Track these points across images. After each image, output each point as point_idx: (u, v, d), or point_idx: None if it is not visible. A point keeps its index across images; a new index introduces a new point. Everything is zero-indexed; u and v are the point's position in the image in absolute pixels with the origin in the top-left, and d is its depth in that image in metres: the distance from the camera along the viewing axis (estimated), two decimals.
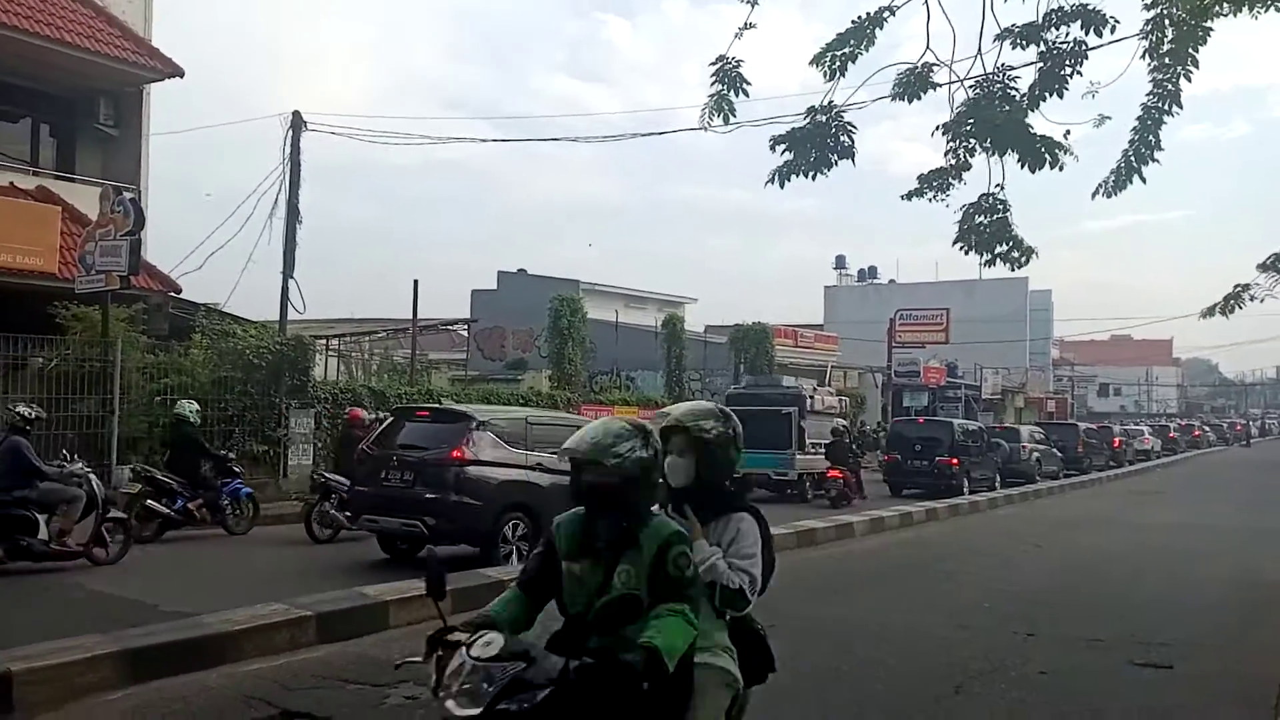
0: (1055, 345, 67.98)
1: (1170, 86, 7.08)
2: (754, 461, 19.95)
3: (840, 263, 66.71)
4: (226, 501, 11.86)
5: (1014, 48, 7.09)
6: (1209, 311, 10.96)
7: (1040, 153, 7.09)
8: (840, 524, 14.03)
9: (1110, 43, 6.97)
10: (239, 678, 5.84)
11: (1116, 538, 14.94)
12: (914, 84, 7.16)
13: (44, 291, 14.11)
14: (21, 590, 8.55)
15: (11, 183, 16.11)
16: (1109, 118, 7.23)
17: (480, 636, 2.72)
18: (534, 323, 28.57)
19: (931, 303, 44.79)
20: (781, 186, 7.18)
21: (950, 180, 7.63)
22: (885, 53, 7.29)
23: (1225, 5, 6.33)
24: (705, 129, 7.29)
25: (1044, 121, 7.10)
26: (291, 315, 17.25)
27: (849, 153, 7.08)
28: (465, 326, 31.93)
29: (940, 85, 7.26)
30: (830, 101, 7.03)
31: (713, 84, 6.98)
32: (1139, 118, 7.17)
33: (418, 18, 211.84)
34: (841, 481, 19.05)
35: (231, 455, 13.05)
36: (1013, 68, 7.21)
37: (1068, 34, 6.97)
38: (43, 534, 9.14)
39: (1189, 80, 7.02)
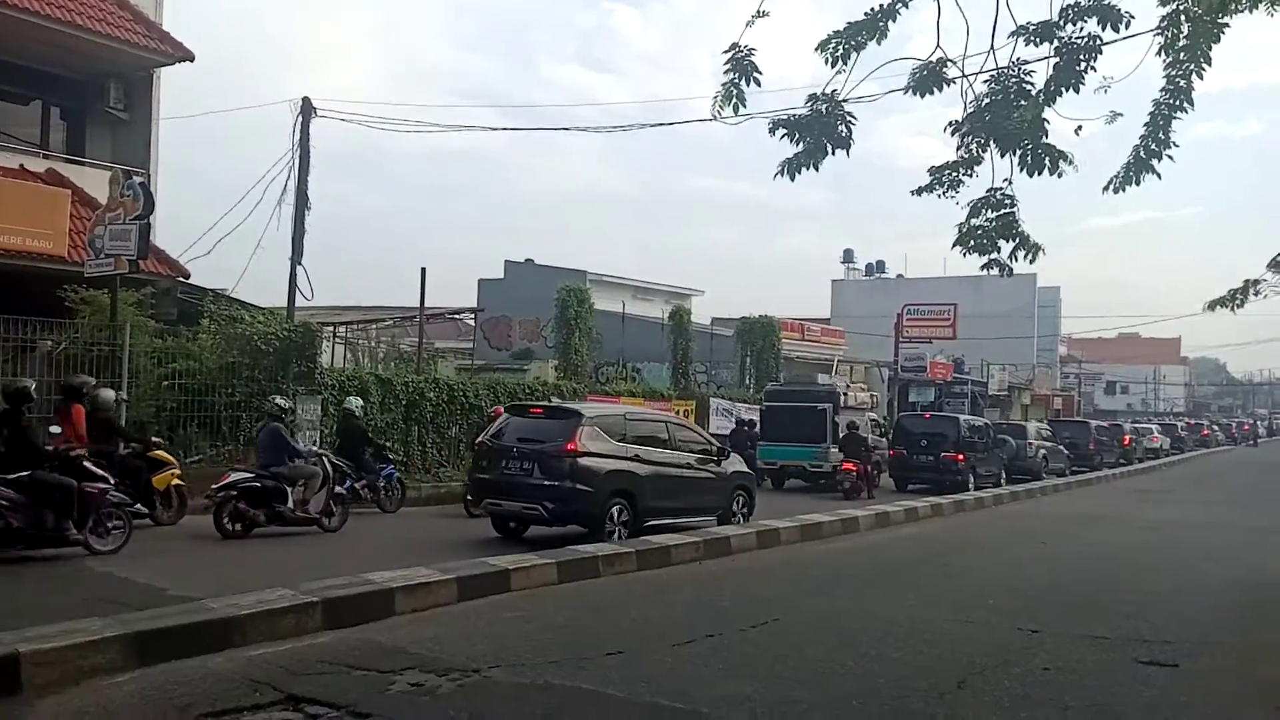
0: (1063, 342, 67.83)
1: (1183, 83, 7.05)
2: (792, 454, 21.51)
3: (848, 256, 66.58)
4: (383, 484, 13.76)
5: (1029, 44, 7.07)
6: (1216, 304, 10.93)
7: (1041, 159, 7.08)
8: (845, 518, 14.04)
9: (1125, 38, 6.94)
10: (244, 662, 5.86)
11: (1122, 535, 14.91)
12: (927, 78, 7.14)
13: (53, 275, 14.14)
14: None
15: (21, 165, 16.14)
16: (1121, 114, 7.21)
17: None
18: (541, 313, 28.59)
19: (939, 298, 44.67)
20: (792, 178, 7.17)
21: (961, 176, 7.62)
22: (895, 45, 7.27)
23: (1242, 2, 6.28)
24: (716, 118, 7.28)
25: (1057, 117, 7.08)
26: (299, 302, 17.27)
27: (845, 143, 7.07)
28: (472, 315, 31.95)
29: (952, 81, 7.24)
30: (834, 91, 7.01)
31: (725, 72, 6.96)
32: (1151, 113, 7.15)
33: (426, 5, 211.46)
34: (855, 474, 19.82)
35: (387, 444, 15.03)
36: (1028, 62, 7.19)
37: (1083, 29, 6.95)
38: (290, 503, 11.23)
39: (1201, 77, 6.99)
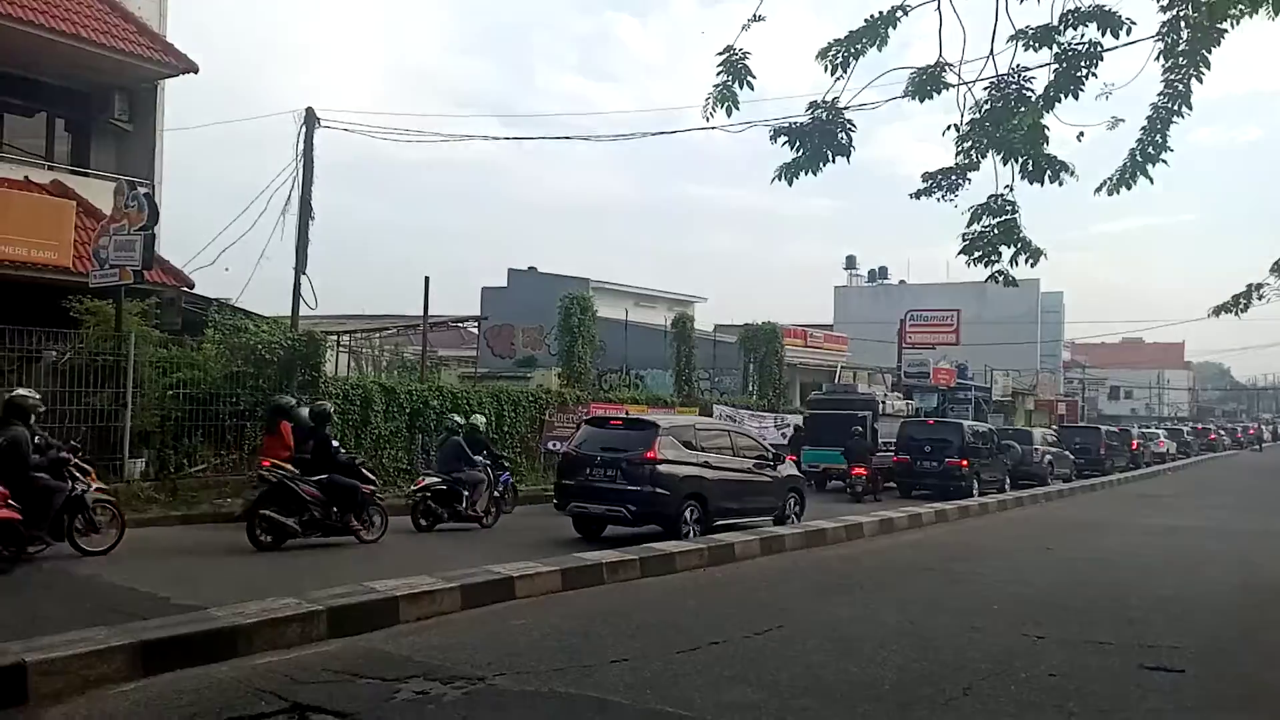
0: (1066, 348, 67.72)
1: (1181, 87, 7.06)
2: (833, 458, 22.43)
3: (851, 263, 66.58)
4: (501, 489, 14.49)
5: (1027, 49, 7.08)
6: (1220, 309, 10.93)
7: (1042, 168, 7.09)
8: (850, 524, 14.03)
9: (1126, 44, 6.95)
10: (249, 671, 5.87)
11: (1127, 541, 14.88)
12: (926, 84, 7.15)
13: (58, 285, 14.21)
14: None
15: (26, 177, 16.22)
16: (1122, 120, 7.21)
17: None
18: (544, 320, 28.60)
19: (942, 304, 44.63)
20: (790, 184, 7.17)
21: (958, 180, 7.63)
22: (895, 51, 7.29)
23: (1242, 6, 6.28)
24: (707, 120, 7.25)
25: (1057, 123, 7.08)
26: (303, 311, 17.30)
27: (845, 150, 7.07)
28: (475, 324, 31.98)
29: (952, 85, 7.26)
30: (835, 98, 7.02)
31: (718, 74, 6.96)
32: (1148, 117, 7.15)
33: (427, 15, 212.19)
34: (865, 478, 21.07)
35: (505, 455, 16.12)
36: (1027, 68, 7.20)
37: (1083, 35, 6.96)
38: (464, 504, 13.37)
39: (1200, 81, 6.99)
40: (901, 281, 63.99)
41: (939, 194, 7.71)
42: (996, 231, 7.62)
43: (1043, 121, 7.07)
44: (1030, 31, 7.02)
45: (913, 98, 7.23)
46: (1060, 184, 7.19)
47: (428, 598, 7.61)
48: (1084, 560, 12.72)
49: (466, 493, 13.40)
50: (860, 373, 39.18)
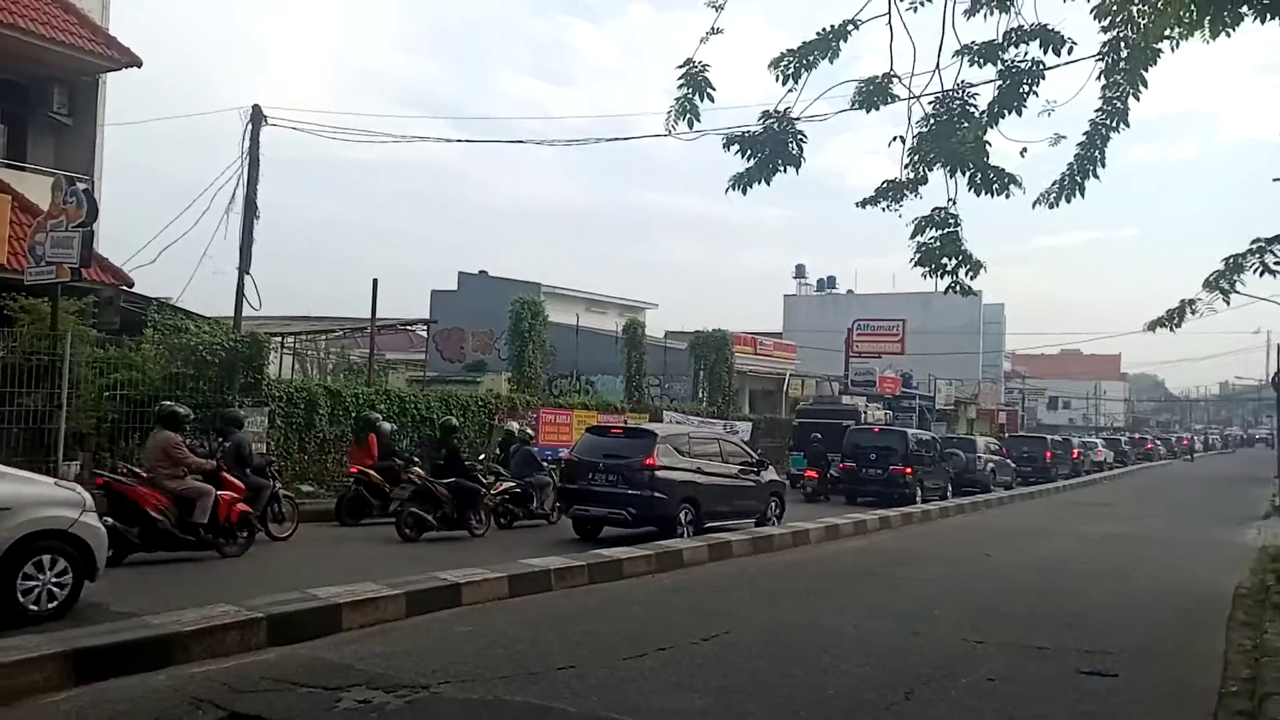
0: (1007, 358, 69.14)
1: (1119, 104, 7.27)
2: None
3: (800, 272, 67.24)
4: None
5: (973, 65, 7.25)
6: (1155, 324, 11.26)
7: (990, 181, 7.26)
8: (796, 531, 14.17)
9: (1067, 63, 7.15)
10: (186, 679, 5.74)
11: (1065, 547, 15.25)
12: (873, 94, 7.28)
13: None
14: None
15: None
16: (1064, 137, 7.40)
17: None
18: (494, 325, 28.43)
19: (888, 313, 45.31)
20: (743, 193, 7.25)
21: (906, 192, 7.77)
22: (846, 64, 7.41)
23: (1178, 29, 6.49)
24: (670, 132, 7.33)
25: (1001, 139, 7.25)
26: (247, 311, 16.98)
27: (796, 161, 7.17)
28: (424, 327, 31.66)
29: (900, 98, 7.39)
30: (787, 109, 7.11)
31: (679, 87, 7.01)
32: (1086, 133, 7.35)
33: (378, 14, 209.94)
34: (816, 480, 22.57)
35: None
36: (972, 84, 7.37)
37: (1026, 53, 7.14)
38: (534, 505, 14.82)
39: (1138, 99, 7.21)
40: (849, 291, 64.80)
41: (885, 204, 7.85)
42: (940, 243, 7.78)
43: (986, 137, 7.24)
44: (975, 48, 7.18)
45: (861, 108, 7.35)
46: (1008, 196, 7.37)
47: (371, 605, 7.51)
48: (1023, 566, 12.99)
49: (537, 494, 14.99)
50: (809, 380, 39.61)
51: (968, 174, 7.34)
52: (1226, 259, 11.05)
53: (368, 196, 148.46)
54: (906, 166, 7.65)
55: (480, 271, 36.68)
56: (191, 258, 16.90)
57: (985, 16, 7.16)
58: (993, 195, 7.34)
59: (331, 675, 5.98)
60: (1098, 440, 51.52)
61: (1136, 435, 68.08)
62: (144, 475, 10.18)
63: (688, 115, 7.03)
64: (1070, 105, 7.22)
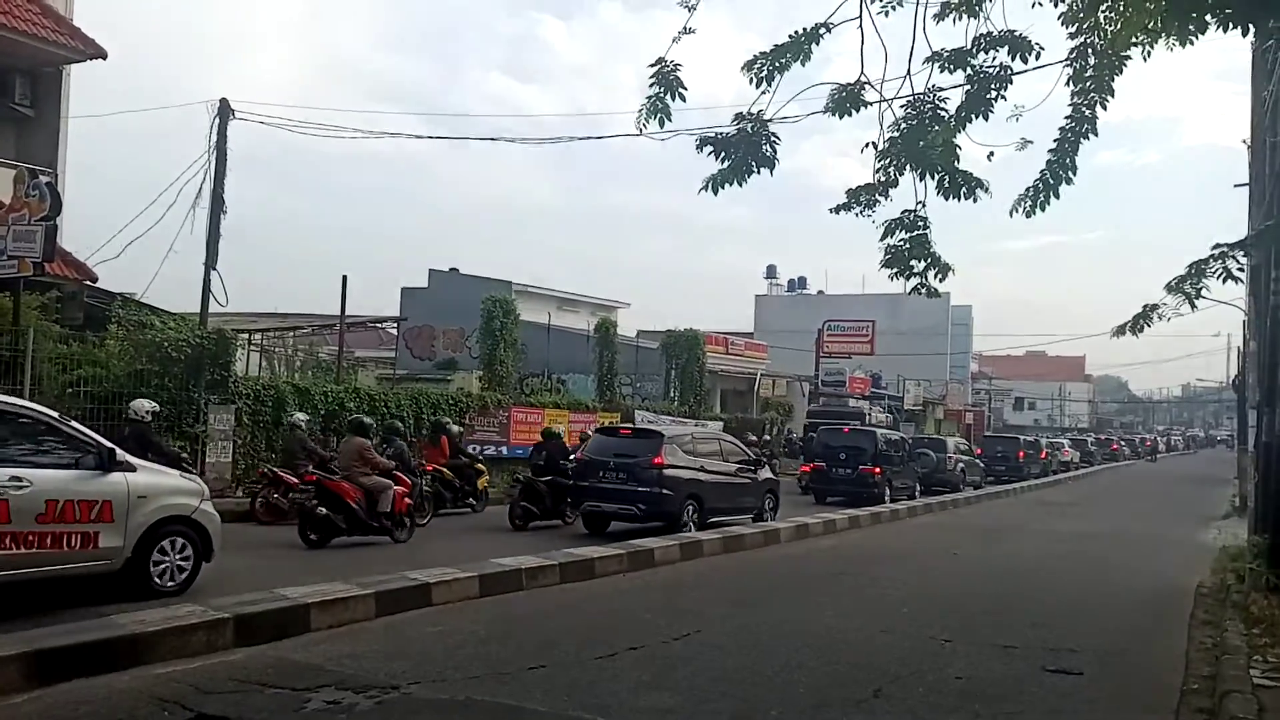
0: (974, 359, 69.91)
1: (1087, 112, 7.38)
2: None
3: (771, 272, 67.53)
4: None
5: (943, 71, 7.32)
6: (1120, 330, 11.42)
7: (959, 185, 7.34)
8: (767, 530, 14.25)
9: (1035, 68, 7.24)
10: (152, 680, 5.66)
11: (1032, 546, 15.45)
12: (846, 100, 7.33)
13: None
14: None
15: None
16: (1031, 141, 7.50)
17: None
18: (465, 322, 28.29)
19: (858, 314, 45.69)
20: (715, 193, 7.27)
21: (877, 197, 7.83)
22: (817, 67, 7.49)
23: (1142, 36, 6.60)
24: (641, 132, 7.34)
25: (969, 142, 7.33)
26: (213, 308, 16.75)
27: (769, 162, 7.20)
28: (394, 324, 31.43)
29: (872, 103, 7.45)
30: (760, 111, 7.14)
31: (651, 87, 7.03)
32: (1056, 140, 7.45)
33: (351, 9, 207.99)
34: (807, 474, 23.76)
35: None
36: (942, 89, 7.45)
37: (995, 59, 7.23)
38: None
39: (1105, 108, 7.32)
40: (820, 291, 65.17)
41: (858, 209, 7.90)
42: (909, 246, 7.86)
43: (955, 140, 7.33)
44: (945, 54, 7.26)
45: (834, 114, 7.39)
46: (975, 200, 7.47)
47: (340, 605, 7.44)
48: (990, 566, 13.16)
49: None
50: (779, 380, 39.81)
51: (936, 178, 7.42)
52: (1190, 264, 11.25)
53: (338, 192, 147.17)
54: (878, 170, 7.72)
55: (451, 269, 36.48)
56: (157, 253, 16.67)
57: (954, 21, 7.24)
58: (960, 199, 7.43)
59: (300, 676, 5.93)
60: (1064, 441, 52.47)
61: (1103, 436, 69.16)
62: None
63: (659, 115, 7.04)
64: (1041, 110, 7.32)
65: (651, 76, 6.94)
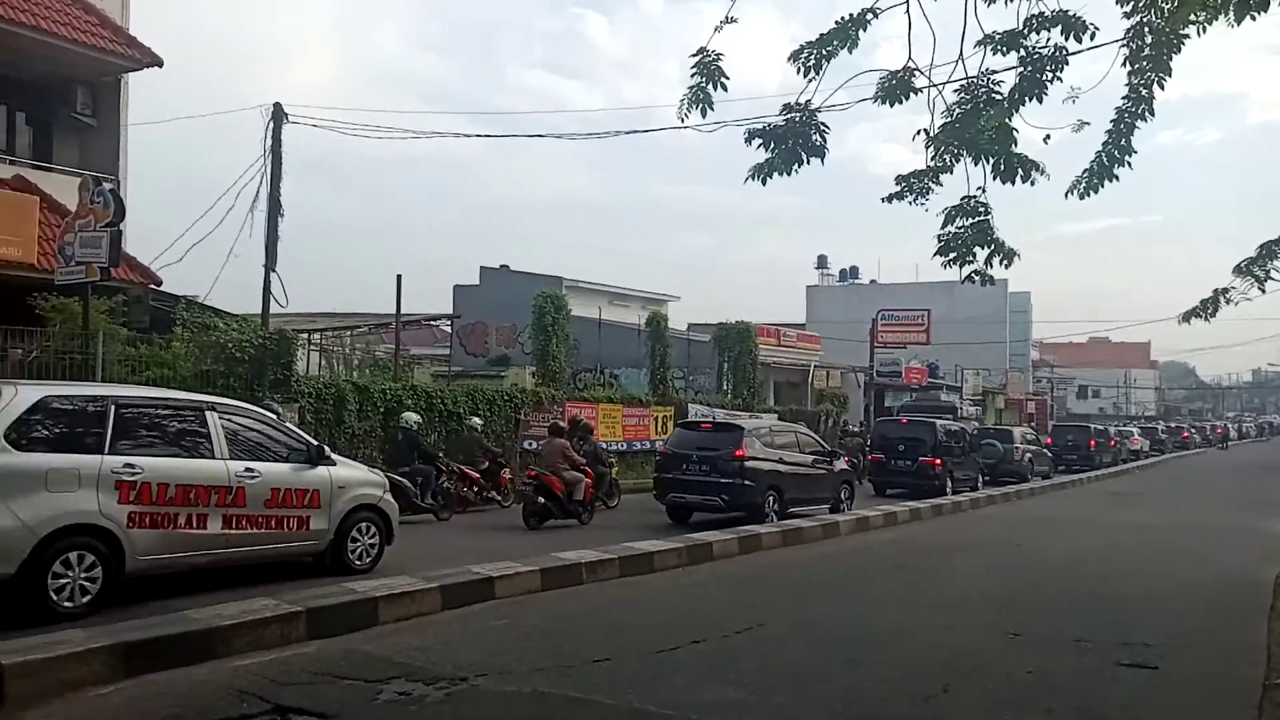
0: (1034, 347, 68.57)
1: (1145, 91, 7.17)
2: None
3: (822, 262, 66.93)
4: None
5: (995, 53, 7.16)
6: (1189, 315, 11.11)
7: (1014, 168, 7.18)
8: (826, 523, 14.13)
9: (1090, 48, 7.05)
10: (230, 673, 5.81)
11: (1100, 538, 15.11)
12: (896, 88, 7.20)
13: (22, 282, 13.93)
14: None
15: None
16: (1088, 123, 7.30)
17: None
18: (517, 319, 28.50)
19: (912, 303, 45.03)
20: (763, 183, 7.19)
21: (930, 183, 7.69)
22: (864, 53, 7.42)
23: (1202, 13, 6.39)
24: (683, 122, 7.30)
25: (1025, 125, 7.17)
26: (273, 309, 17.11)
27: (820, 152, 7.11)
28: (448, 322, 31.80)
29: (921, 89, 7.32)
30: (808, 100, 7.05)
31: (693, 76, 6.99)
32: (1113, 120, 7.26)
33: (394, 12, 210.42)
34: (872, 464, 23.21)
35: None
36: (995, 72, 7.28)
37: (1048, 39, 7.05)
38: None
39: (1162, 87, 7.10)
40: (872, 281, 64.44)
41: (910, 197, 7.77)
42: (971, 232, 7.71)
43: (1010, 123, 7.16)
44: (997, 36, 7.10)
45: (883, 102, 7.27)
46: (1032, 183, 7.28)
47: (407, 598, 7.56)
48: (1057, 558, 12.89)
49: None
50: (833, 372, 39.45)
51: (991, 162, 7.27)
52: (1260, 246, 10.88)
53: (389, 193, 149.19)
54: (931, 158, 7.58)
55: (502, 266, 36.80)
56: (217, 255, 17.08)
57: (1006, 2, 7.08)
58: (1016, 183, 7.26)
59: (371, 667, 6.03)
60: (1133, 429, 51.39)
61: (1173, 424, 67.52)
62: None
63: (701, 104, 7.00)
64: (1097, 90, 7.13)
65: (693, 66, 6.88)
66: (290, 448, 8.90)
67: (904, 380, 38.43)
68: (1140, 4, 6.87)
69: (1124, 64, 7.13)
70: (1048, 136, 7.27)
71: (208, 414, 8.27)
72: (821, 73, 7.01)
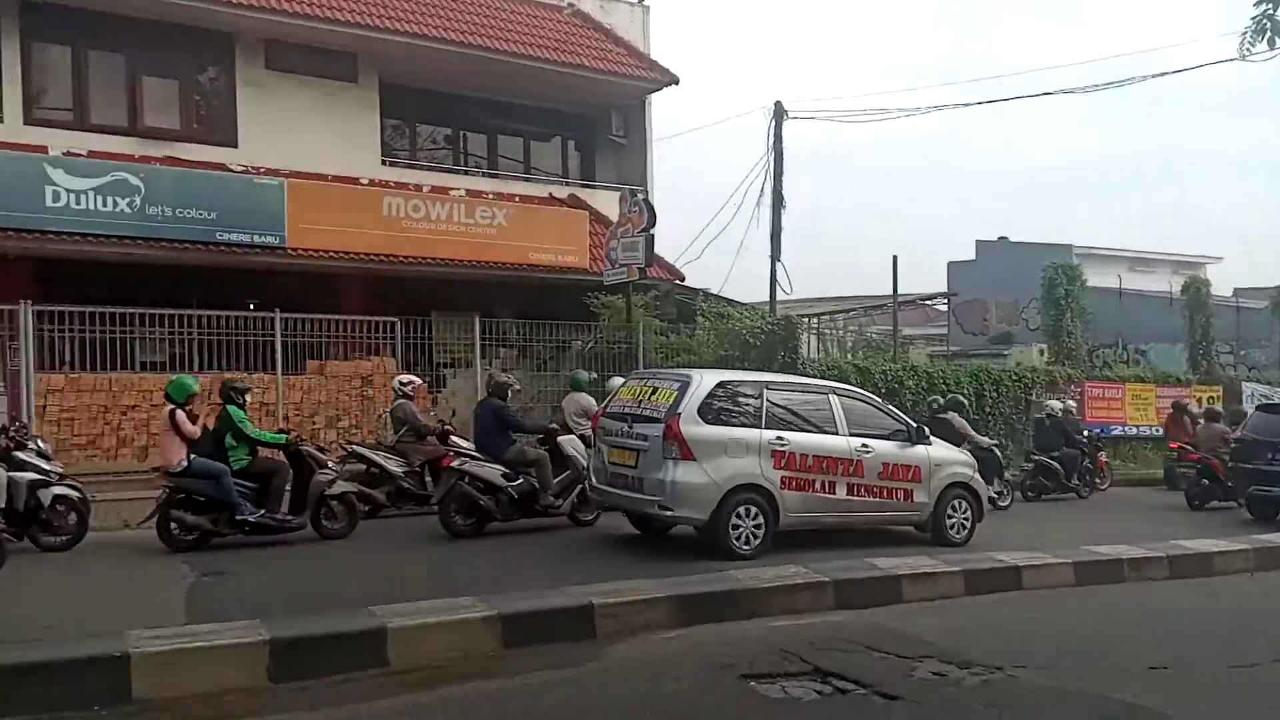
0: None
1: None
2: None
3: None
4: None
5: None
6: None
7: None
8: None
9: None
10: (769, 631, 6.23)
11: None
12: None
13: (579, 284, 16.44)
14: None
15: (550, 194, 18.99)
16: None
17: None
18: (1018, 293, 26.71)
19: None
20: None
21: None
22: None
23: None
24: (1244, 56, 6.27)
25: None
26: (779, 296, 18.06)
27: None
28: (943, 300, 30.87)
29: None
30: None
31: (1256, 4, 5.95)
32: None
33: None
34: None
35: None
36: None
37: None
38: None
39: None
40: None
41: None
42: None
43: None
44: None
45: None
46: None
47: (929, 579, 7.48)
48: None
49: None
50: None
51: None
52: None
53: (876, 176, 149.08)
54: None
55: (1000, 238, 34.67)
56: (728, 250, 18.52)
57: None
58: None
59: (901, 644, 6.04)
60: None
61: None
62: None
63: (1267, 33, 5.92)
64: None
65: None
66: (893, 427, 9.56)
67: None
68: None
69: None
70: None
71: (830, 396, 9.39)
72: None
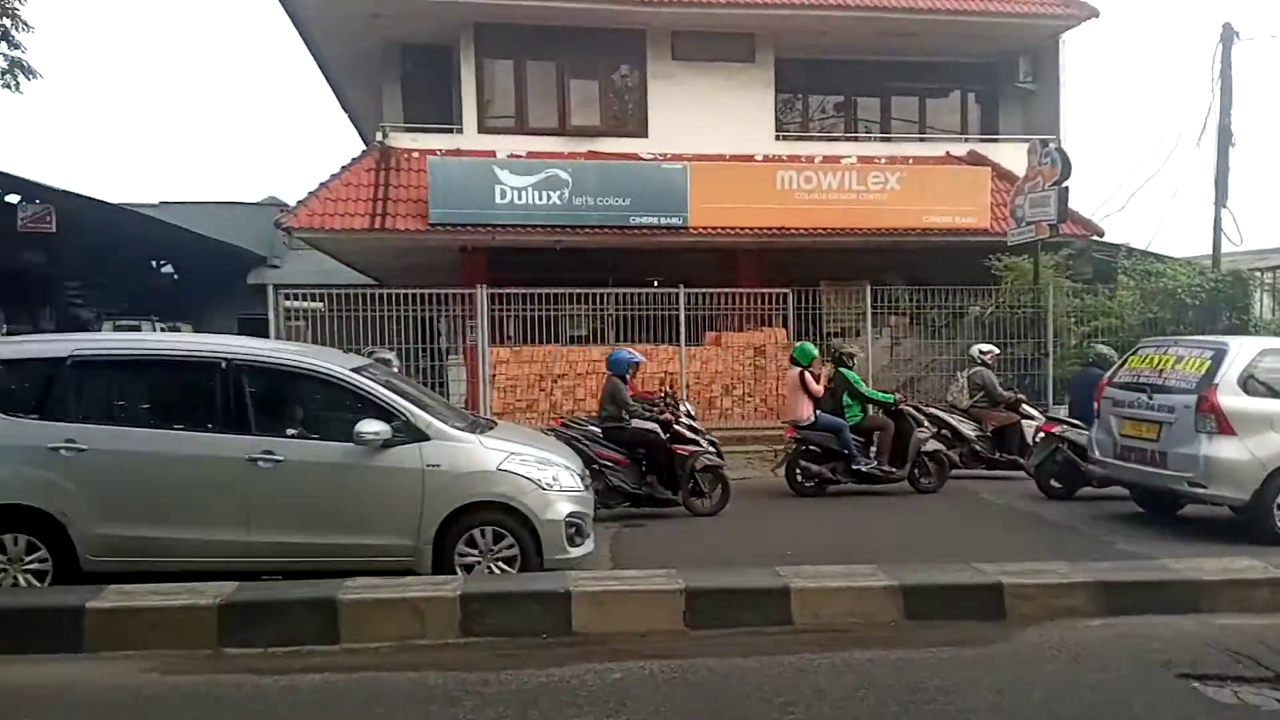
0: None
1: None
2: None
3: None
4: None
5: None
6: None
7: None
8: None
9: None
10: (1214, 629, 5.49)
11: None
12: None
13: (978, 246, 15.51)
14: None
15: (947, 152, 18.05)
16: None
17: None
18: None
19: None
20: None
21: None
22: None
23: None
24: None
25: None
26: (1226, 248, 15.59)
27: None
28: None
29: None
30: None
31: None
32: None
33: None
34: None
35: None
36: None
37: None
38: None
39: None
40: None
41: None
42: None
43: None
44: None
45: None
46: None
47: None
48: None
49: None
50: None
51: None
52: None
53: None
54: None
55: None
56: (1155, 200, 16.32)
57: None
58: None
59: None
60: None
61: None
62: None
63: None
64: None
65: None
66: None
67: None
68: None
69: None
70: None
71: None
72: None
